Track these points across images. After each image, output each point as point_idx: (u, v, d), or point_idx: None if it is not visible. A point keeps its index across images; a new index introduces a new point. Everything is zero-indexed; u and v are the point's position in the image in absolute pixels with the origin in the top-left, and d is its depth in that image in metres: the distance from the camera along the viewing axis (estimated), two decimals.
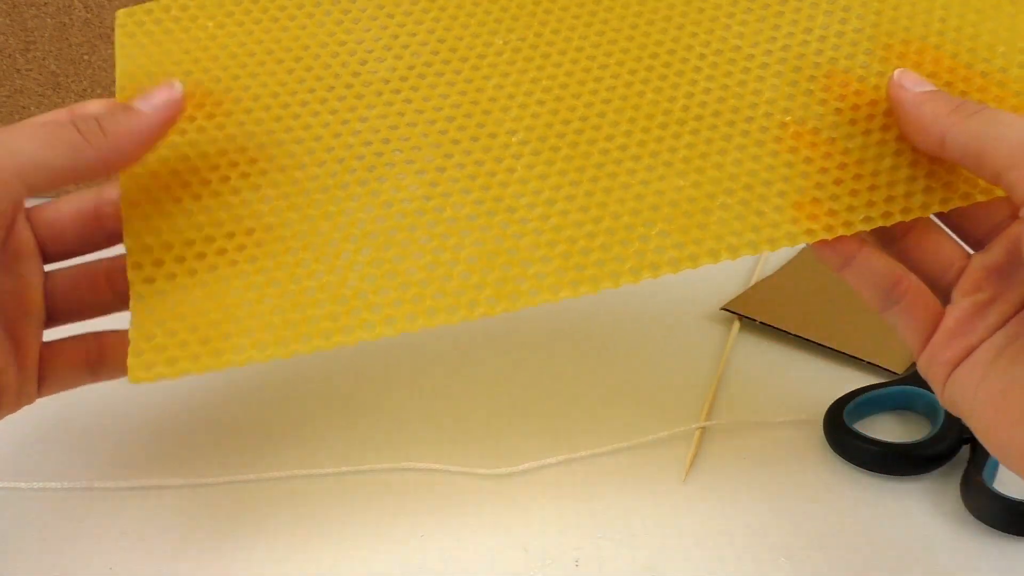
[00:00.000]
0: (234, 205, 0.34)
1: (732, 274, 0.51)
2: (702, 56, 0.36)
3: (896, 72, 0.33)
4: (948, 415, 0.39)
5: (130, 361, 0.31)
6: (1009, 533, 0.35)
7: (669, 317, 0.49)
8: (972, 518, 0.36)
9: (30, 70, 0.65)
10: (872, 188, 0.33)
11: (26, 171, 0.30)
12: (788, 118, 0.34)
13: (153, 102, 0.33)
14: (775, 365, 0.45)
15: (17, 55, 0.65)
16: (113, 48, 0.40)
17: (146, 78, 0.36)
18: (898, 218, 0.32)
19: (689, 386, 0.44)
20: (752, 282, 0.51)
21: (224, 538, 0.35)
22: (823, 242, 0.32)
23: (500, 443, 0.40)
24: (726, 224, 0.32)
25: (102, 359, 0.36)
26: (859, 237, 0.33)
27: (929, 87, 0.33)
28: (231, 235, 0.33)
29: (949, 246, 0.33)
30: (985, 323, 0.31)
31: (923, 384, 0.41)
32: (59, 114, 0.34)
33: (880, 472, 0.38)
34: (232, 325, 0.32)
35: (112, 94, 0.40)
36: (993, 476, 0.37)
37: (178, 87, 0.34)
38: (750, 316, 0.48)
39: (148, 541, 0.35)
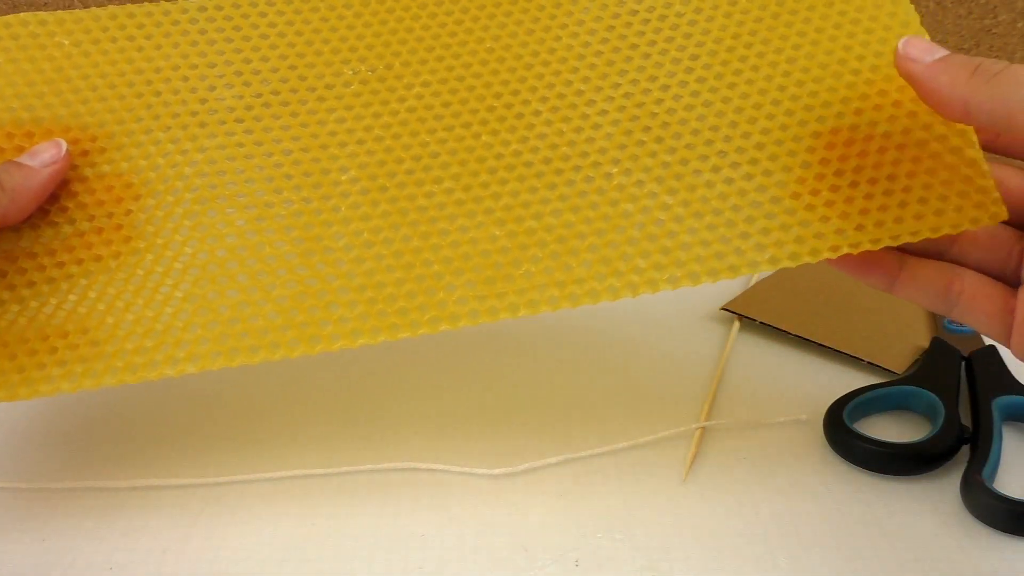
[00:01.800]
0: (68, 235, 0.34)
1: None
2: (544, 99, 0.36)
3: (901, 43, 0.31)
4: (948, 415, 0.39)
5: None
6: (1009, 533, 0.35)
7: (669, 317, 0.49)
8: (972, 518, 0.36)
9: None
10: (704, 242, 0.32)
11: None
12: (615, 169, 0.34)
13: (42, 158, 0.34)
14: (775, 365, 0.45)
15: None
16: None
17: None
18: (724, 276, 0.32)
19: (689, 386, 0.44)
20: (752, 282, 0.51)
21: (224, 538, 0.35)
22: (866, 264, 0.32)
23: (500, 443, 0.40)
24: (532, 278, 0.32)
25: None
26: (898, 255, 0.32)
27: (941, 53, 0.30)
28: (60, 264, 0.34)
29: (1004, 233, 0.33)
30: None
31: (923, 384, 0.41)
32: None
33: (880, 472, 0.38)
34: (47, 355, 0.32)
35: None
36: (993, 476, 0.37)
37: (63, 144, 0.35)
38: (750, 316, 0.48)
39: (148, 541, 0.35)
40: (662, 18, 0.37)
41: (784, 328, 0.47)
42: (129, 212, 0.35)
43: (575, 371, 0.45)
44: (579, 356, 0.46)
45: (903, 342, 0.45)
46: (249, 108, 0.37)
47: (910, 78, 0.31)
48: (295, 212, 0.34)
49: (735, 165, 0.33)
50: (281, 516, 0.36)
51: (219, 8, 0.38)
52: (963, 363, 0.43)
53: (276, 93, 0.37)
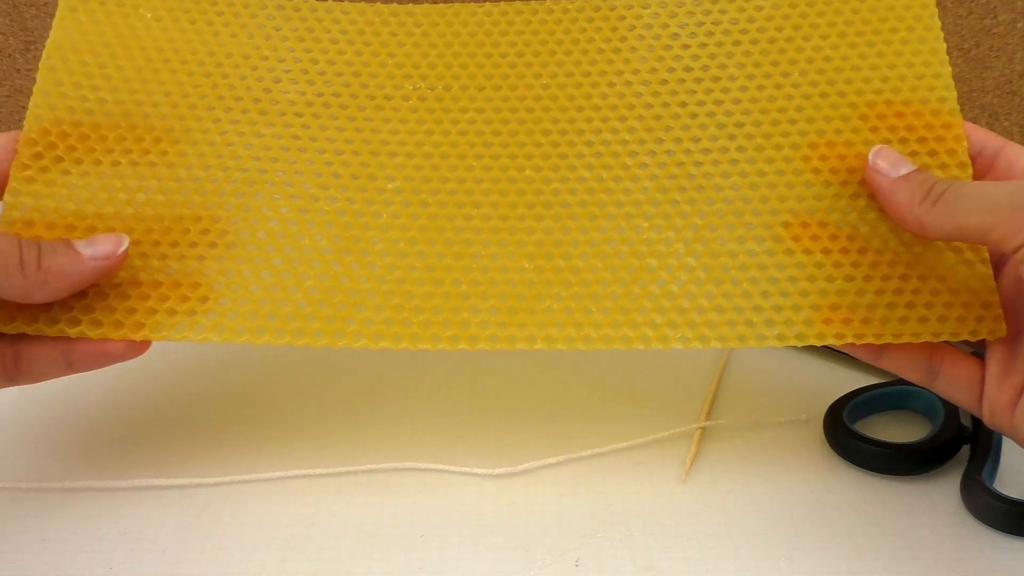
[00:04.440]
0: (117, 189, 0.35)
1: None
2: (589, 144, 0.37)
3: (872, 152, 0.33)
4: (948, 415, 0.39)
5: None
6: (1009, 533, 0.35)
7: None
8: (972, 518, 0.36)
9: (30, 70, 0.65)
10: (719, 309, 0.33)
11: None
12: (646, 224, 0.35)
13: (96, 249, 0.33)
14: (775, 365, 0.45)
15: (17, 55, 0.66)
16: None
17: (73, 53, 0.37)
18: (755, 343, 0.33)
19: (689, 386, 0.44)
20: None
21: (224, 538, 0.35)
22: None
23: (500, 443, 0.40)
24: (552, 315, 0.33)
25: (72, 351, 0.34)
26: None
27: (906, 169, 0.32)
28: (102, 217, 0.35)
29: None
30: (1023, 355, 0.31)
31: None
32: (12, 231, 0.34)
33: (880, 472, 0.38)
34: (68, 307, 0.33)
35: None
36: (993, 476, 0.37)
37: (125, 242, 0.33)
38: None
39: (148, 541, 0.35)
40: (715, 79, 0.37)
41: None
42: (179, 179, 0.36)
43: (575, 371, 0.45)
44: (579, 356, 0.46)
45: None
46: (310, 104, 0.38)
47: (874, 188, 0.33)
48: (338, 210, 0.36)
49: (760, 239, 0.34)
50: (281, 516, 0.36)
51: (296, 9, 0.40)
52: None
53: (337, 95, 0.38)
